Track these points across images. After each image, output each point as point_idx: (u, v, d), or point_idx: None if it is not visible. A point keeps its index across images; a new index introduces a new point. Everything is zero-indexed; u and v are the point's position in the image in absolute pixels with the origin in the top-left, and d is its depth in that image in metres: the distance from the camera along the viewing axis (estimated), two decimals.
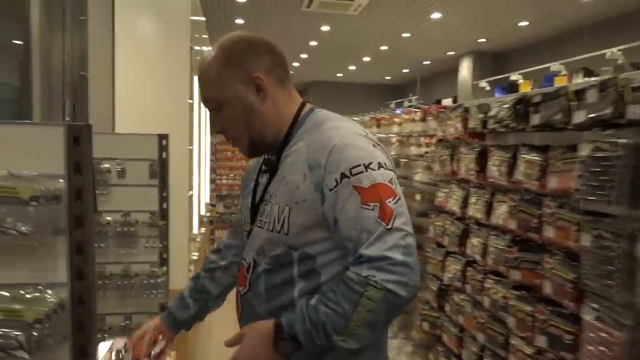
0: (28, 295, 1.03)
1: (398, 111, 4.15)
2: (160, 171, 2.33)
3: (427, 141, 2.91)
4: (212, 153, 7.46)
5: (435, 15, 8.48)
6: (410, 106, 3.96)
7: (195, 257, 3.77)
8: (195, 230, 4.29)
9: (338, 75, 15.66)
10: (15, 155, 1.05)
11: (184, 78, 3.14)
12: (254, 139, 1.22)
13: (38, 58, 3.87)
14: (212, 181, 7.48)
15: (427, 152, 2.92)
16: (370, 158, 1.09)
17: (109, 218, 2.32)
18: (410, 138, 3.20)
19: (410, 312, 3.07)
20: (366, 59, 12.78)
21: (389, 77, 16.01)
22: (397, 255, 1.02)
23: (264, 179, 1.26)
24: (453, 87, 12.22)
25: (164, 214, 2.37)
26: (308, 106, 1.26)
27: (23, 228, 0.97)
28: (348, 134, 1.14)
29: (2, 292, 1.02)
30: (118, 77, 3.06)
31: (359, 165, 1.08)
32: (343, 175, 1.07)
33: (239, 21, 9.25)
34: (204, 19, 6.04)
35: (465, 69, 11.65)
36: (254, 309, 1.22)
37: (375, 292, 1.01)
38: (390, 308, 1.03)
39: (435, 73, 14.15)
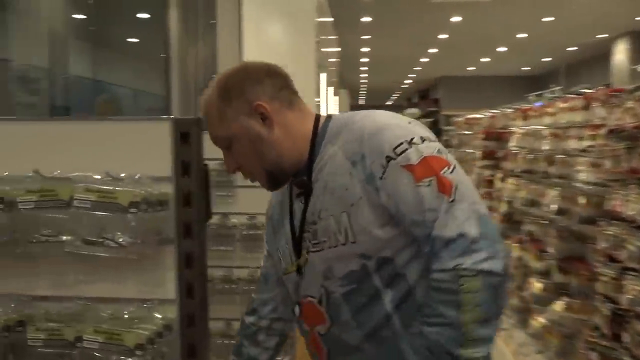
0: (130, 315, 0.89)
1: (537, 104, 3.62)
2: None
3: (591, 133, 2.42)
4: None
5: None
6: (552, 98, 3.41)
7: None
8: None
9: (469, 68, 14.96)
10: (115, 155, 0.94)
11: (310, 79, 3.03)
12: (270, 170, 1.13)
13: (177, 65, 4.02)
14: None
15: (591, 146, 2.42)
16: (410, 134, 1.03)
17: (235, 220, 2.23)
18: (567, 130, 2.71)
19: (571, 337, 2.62)
20: (501, 49, 12.01)
21: (527, 68, 14.90)
22: (474, 229, 0.94)
23: (298, 205, 1.16)
24: (604, 74, 10.97)
25: None
26: (323, 117, 1.18)
27: (121, 239, 0.82)
28: (379, 118, 1.08)
29: (101, 312, 0.89)
30: None
31: (401, 144, 1.01)
32: (388, 158, 1.00)
33: (366, 19, 9.12)
34: (331, 19, 5.97)
35: (620, 53, 10.47)
36: (345, 343, 1.10)
37: (472, 281, 0.92)
38: (494, 291, 0.94)
39: (581, 60, 12.88)
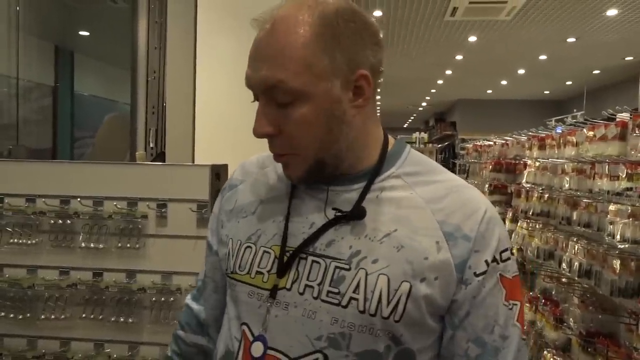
0: None
1: (558, 129, 3.00)
2: None
3: (629, 171, 1.81)
4: None
5: (612, 12, 7.02)
6: (573, 124, 2.83)
7: None
8: None
9: (488, 91, 14.43)
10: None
11: None
12: (324, 160, 0.85)
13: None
14: None
15: (629, 189, 1.80)
16: (509, 240, 0.89)
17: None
18: (595, 166, 2.10)
19: None
20: (521, 71, 11.47)
21: (548, 92, 14.32)
22: None
23: (316, 216, 0.86)
24: (631, 99, 10.33)
25: None
26: (390, 136, 0.95)
27: None
28: (488, 201, 0.88)
29: None
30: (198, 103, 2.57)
31: (507, 250, 0.84)
32: (494, 260, 0.83)
33: None
34: None
35: None
36: None
37: None
38: None
39: (606, 84, 12.27)
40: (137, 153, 2.43)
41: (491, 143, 4.03)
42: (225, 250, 0.94)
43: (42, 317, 1.78)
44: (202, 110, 2.56)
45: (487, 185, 3.76)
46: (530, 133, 3.14)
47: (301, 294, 0.82)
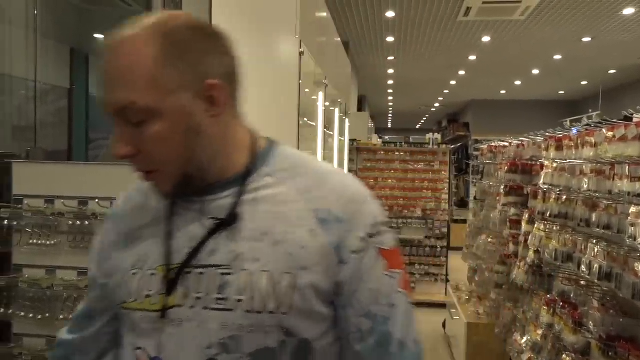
0: None
1: (574, 130, 2.96)
2: None
3: None
4: None
5: (628, 11, 6.92)
6: (589, 124, 2.79)
7: None
8: None
9: (501, 92, 14.31)
10: None
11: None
12: (190, 173, 0.85)
13: None
14: None
15: None
16: (383, 213, 0.91)
17: None
18: (615, 167, 2.07)
19: None
20: (535, 71, 11.36)
21: (562, 92, 14.16)
22: (419, 342, 0.89)
23: (195, 228, 0.87)
24: None
25: None
26: (260, 136, 0.96)
27: None
28: (353, 179, 0.93)
29: None
30: None
31: (381, 223, 0.89)
32: (370, 235, 0.87)
33: (390, 39, 8.65)
34: (337, 39, 5.48)
35: None
36: None
37: None
38: None
39: (622, 84, 12.09)
40: None
41: (506, 144, 3.99)
42: (112, 282, 0.92)
43: (61, 317, 1.80)
44: None
45: (502, 187, 3.72)
46: (547, 134, 3.10)
47: (192, 307, 0.84)
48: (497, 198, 3.87)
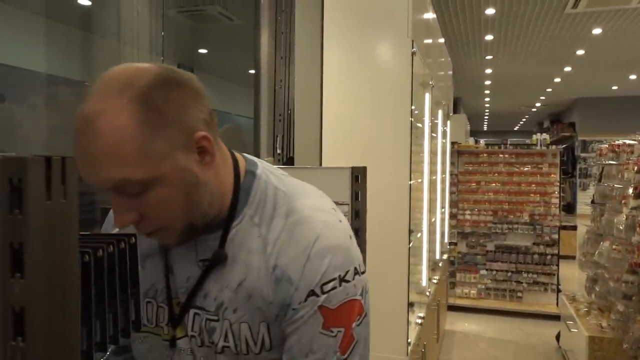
0: None
1: None
2: (352, 220, 1.61)
3: None
4: (453, 184, 6.58)
5: None
6: None
7: (420, 321, 2.96)
8: (424, 282, 3.48)
9: (613, 88, 13.24)
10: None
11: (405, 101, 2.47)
12: (194, 222, 0.87)
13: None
14: (454, 216, 6.56)
15: None
16: (348, 263, 0.88)
17: None
18: None
19: None
20: None
21: None
22: None
23: (191, 267, 0.92)
24: None
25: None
26: (242, 163, 0.95)
27: None
28: (324, 228, 0.88)
29: None
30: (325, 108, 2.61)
31: (334, 280, 0.86)
32: (311, 293, 0.86)
33: (488, 37, 8.32)
34: (441, 40, 5.34)
35: None
36: None
37: None
38: None
39: None
40: (265, 159, 2.52)
41: (633, 142, 3.65)
42: None
43: None
44: (328, 115, 2.58)
45: (631, 189, 3.41)
46: None
47: (192, 338, 0.92)
48: (623, 201, 3.55)
